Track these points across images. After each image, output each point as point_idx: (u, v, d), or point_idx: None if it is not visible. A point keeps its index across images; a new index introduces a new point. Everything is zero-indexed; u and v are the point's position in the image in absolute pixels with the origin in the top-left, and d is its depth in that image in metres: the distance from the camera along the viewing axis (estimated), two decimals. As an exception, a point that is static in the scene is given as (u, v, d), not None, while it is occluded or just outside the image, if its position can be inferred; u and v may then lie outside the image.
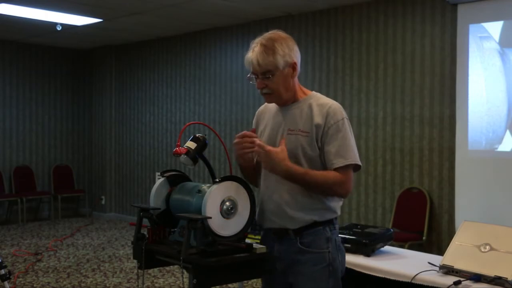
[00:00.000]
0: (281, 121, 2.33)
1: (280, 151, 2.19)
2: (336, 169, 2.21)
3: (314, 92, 2.38)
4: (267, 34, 2.29)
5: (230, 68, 7.62)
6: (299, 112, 2.30)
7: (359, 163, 2.26)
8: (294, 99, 2.32)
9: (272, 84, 2.25)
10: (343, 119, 2.25)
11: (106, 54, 9.45)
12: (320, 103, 2.29)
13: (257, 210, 2.33)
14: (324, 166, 2.25)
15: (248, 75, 2.32)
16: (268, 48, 2.22)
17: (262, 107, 2.51)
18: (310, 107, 2.29)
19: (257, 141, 2.22)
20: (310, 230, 2.26)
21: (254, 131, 2.36)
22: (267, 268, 2.23)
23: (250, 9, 6.61)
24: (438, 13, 5.61)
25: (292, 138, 2.27)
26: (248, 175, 2.41)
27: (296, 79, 2.33)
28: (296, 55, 2.29)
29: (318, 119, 2.24)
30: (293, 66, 2.27)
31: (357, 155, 2.26)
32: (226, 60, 7.69)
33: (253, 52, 2.25)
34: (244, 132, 2.27)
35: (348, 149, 2.23)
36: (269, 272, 2.26)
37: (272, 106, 2.41)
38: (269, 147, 2.20)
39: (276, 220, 2.29)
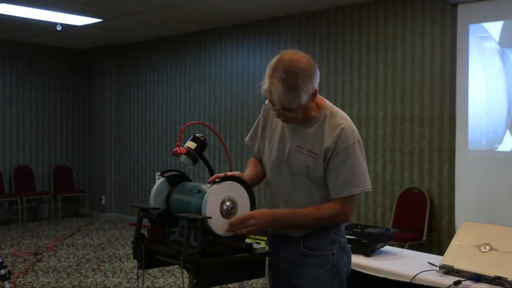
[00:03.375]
0: (291, 135, 2.26)
1: (253, 213, 2.17)
2: (338, 199, 2.18)
3: (327, 104, 2.28)
4: (286, 62, 2.08)
5: (230, 68, 7.63)
6: (311, 129, 2.22)
7: (368, 188, 2.22)
8: (308, 115, 2.24)
9: (293, 115, 2.17)
10: (354, 143, 2.18)
11: (106, 54, 9.45)
12: (333, 122, 2.20)
13: None
14: (326, 187, 2.21)
15: (264, 100, 2.23)
16: (291, 87, 2.06)
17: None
18: (322, 125, 2.21)
19: (240, 227, 2.14)
20: (314, 234, 2.24)
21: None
22: (268, 268, 2.24)
23: (250, 9, 6.61)
24: (438, 13, 5.61)
25: (300, 156, 2.22)
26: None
27: None
28: (316, 81, 2.17)
29: (328, 141, 2.17)
30: (314, 93, 2.17)
31: (366, 180, 2.21)
32: (226, 60, 7.69)
33: (273, 88, 2.07)
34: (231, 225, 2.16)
35: (357, 177, 2.18)
36: (268, 272, 2.26)
37: None
38: (246, 218, 2.14)
39: (281, 229, 2.28)
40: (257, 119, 2.46)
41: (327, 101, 2.31)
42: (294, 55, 2.13)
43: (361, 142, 2.24)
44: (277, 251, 2.28)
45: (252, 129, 2.50)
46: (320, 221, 2.20)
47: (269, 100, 2.16)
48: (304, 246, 2.24)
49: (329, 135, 2.18)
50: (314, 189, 2.22)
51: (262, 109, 2.44)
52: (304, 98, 2.12)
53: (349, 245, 2.99)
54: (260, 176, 2.40)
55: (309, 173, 2.21)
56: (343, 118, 2.22)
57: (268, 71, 2.12)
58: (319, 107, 2.26)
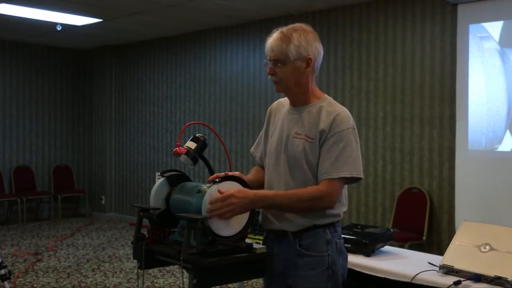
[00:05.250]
0: (290, 123, 2.29)
1: (234, 192, 2.12)
2: (324, 180, 2.16)
3: (326, 96, 2.32)
4: (292, 25, 2.27)
5: (230, 68, 7.63)
6: (308, 116, 2.25)
7: (357, 175, 2.17)
8: (306, 101, 2.27)
9: (281, 73, 2.22)
10: (348, 129, 2.18)
11: (106, 54, 9.45)
12: (330, 109, 2.23)
13: (261, 211, 2.32)
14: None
15: (264, 61, 2.29)
16: (285, 36, 2.20)
17: (275, 104, 2.45)
18: (319, 112, 2.23)
19: (218, 208, 2.10)
20: (310, 233, 2.22)
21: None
22: (267, 268, 2.23)
23: (250, 9, 6.61)
24: (438, 13, 5.61)
25: (297, 142, 2.23)
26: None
27: (312, 79, 2.28)
28: (313, 51, 2.24)
29: (323, 125, 2.19)
30: (307, 61, 2.22)
31: (357, 166, 2.18)
32: (226, 60, 7.69)
33: (271, 38, 2.24)
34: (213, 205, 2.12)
35: (346, 161, 2.15)
36: (268, 272, 2.26)
37: (285, 104, 2.37)
38: (225, 197, 2.10)
39: (275, 222, 2.27)
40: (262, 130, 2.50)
41: (327, 95, 2.35)
42: (301, 24, 2.29)
43: (356, 130, 2.24)
44: (271, 250, 2.26)
45: (257, 138, 2.53)
46: (304, 202, 2.16)
47: (268, 57, 2.25)
48: (299, 245, 2.23)
49: (324, 120, 2.20)
50: (311, 178, 2.21)
51: (266, 116, 2.47)
52: (294, 52, 2.20)
53: (349, 245, 3.01)
54: (261, 181, 2.39)
55: (307, 159, 2.20)
56: (341, 107, 2.26)
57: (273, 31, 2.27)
58: (318, 97, 2.30)
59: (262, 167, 2.46)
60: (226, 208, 2.10)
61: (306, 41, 2.23)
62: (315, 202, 2.17)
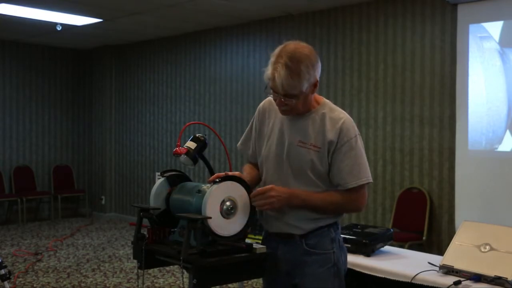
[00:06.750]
0: (292, 130, 2.27)
1: (273, 185, 2.19)
2: (346, 190, 2.21)
3: (325, 100, 2.32)
4: (290, 49, 2.15)
5: (230, 68, 7.63)
6: (311, 124, 2.25)
7: (371, 180, 2.28)
8: (307, 110, 2.27)
9: (293, 104, 2.19)
10: (356, 136, 2.23)
11: (106, 54, 9.45)
12: (333, 116, 2.24)
13: (263, 214, 2.32)
14: (331, 182, 2.24)
15: (266, 89, 2.23)
16: (294, 72, 2.11)
17: (266, 102, 2.42)
18: (322, 120, 2.23)
19: (265, 199, 2.17)
20: (316, 232, 2.25)
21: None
22: (268, 267, 2.23)
23: (250, 9, 6.61)
24: (438, 13, 5.61)
25: (303, 151, 2.23)
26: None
27: None
28: (318, 71, 2.22)
29: (330, 135, 2.20)
30: (315, 84, 2.22)
31: (368, 171, 2.27)
32: (226, 60, 7.69)
33: (277, 73, 2.12)
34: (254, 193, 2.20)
35: (361, 167, 2.23)
36: (269, 271, 2.26)
37: None
38: (266, 190, 2.16)
39: (281, 227, 2.28)
40: (250, 123, 2.48)
41: (325, 99, 2.35)
42: (297, 44, 2.21)
43: (361, 136, 2.29)
44: (275, 250, 2.27)
45: (244, 134, 2.51)
46: (335, 206, 2.24)
47: (272, 88, 2.19)
48: (306, 244, 2.25)
49: (331, 129, 2.21)
50: (317, 183, 2.23)
51: (256, 112, 2.45)
52: (306, 85, 2.16)
53: (349, 245, 3.01)
54: (257, 180, 2.40)
55: (313, 167, 2.22)
56: (342, 112, 2.28)
57: (271, 58, 2.18)
58: (318, 103, 2.30)
59: (253, 164, 2.46)
60: (265, 200, 2.16)
61: (313, 67, 2.18)
62: (344, 207, 2.27)
